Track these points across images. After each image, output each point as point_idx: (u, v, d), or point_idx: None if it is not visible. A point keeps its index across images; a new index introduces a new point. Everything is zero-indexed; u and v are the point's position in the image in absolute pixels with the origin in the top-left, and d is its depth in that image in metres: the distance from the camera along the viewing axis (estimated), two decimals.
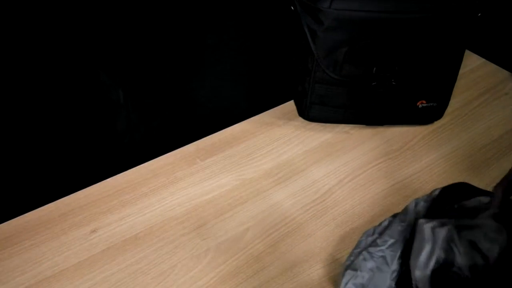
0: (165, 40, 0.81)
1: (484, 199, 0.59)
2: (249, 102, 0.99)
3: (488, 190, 0.62)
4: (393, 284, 0.59)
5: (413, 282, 0.55)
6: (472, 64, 1.09)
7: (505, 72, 1.08)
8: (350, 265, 0.63)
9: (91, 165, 0.83)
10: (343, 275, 0.63)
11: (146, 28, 0.78)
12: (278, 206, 0.79)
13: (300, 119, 0.95)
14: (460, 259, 0.51)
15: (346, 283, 0.62)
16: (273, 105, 0.98)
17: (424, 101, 0.90)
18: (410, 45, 0.82)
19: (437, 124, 0.95)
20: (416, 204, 0.63)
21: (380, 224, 0.66)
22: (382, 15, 0.78)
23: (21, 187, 0.78)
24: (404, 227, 0.62)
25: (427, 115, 0.93)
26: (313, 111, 0.91)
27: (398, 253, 0.60)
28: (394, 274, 0.59)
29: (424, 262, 0.53)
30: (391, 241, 0.61)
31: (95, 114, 0.80)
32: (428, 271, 0.52)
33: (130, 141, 0.86)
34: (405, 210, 0.64)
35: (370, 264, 0.61)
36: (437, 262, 0.52)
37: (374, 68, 0.84)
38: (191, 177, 0.84)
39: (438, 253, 0.52)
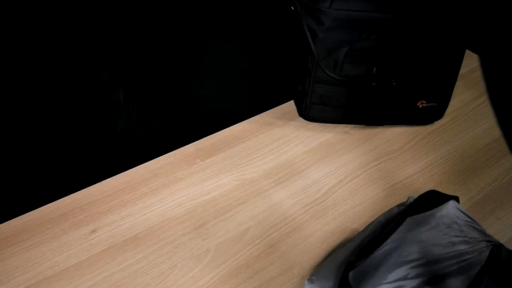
0: (165, 40, 0.81)
1: None
2: (249, 102, 0.99)
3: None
4: None
5: None
6: (472, 64, 1.09)
7: None
8: None
9: (91, 165, 0.83)
10: None
11: (146, 28, 0.78)
12: (278, 206, 0.79)
13: (300, 119, 0.95)
14: None
15: None
16: (273, 105, 0.98)
17: (424, 101, 0.90)
18: (410, 45, 0.82)
19: (437, 124, 0.95)
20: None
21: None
22: (382, 15, 0.78)
23: (21, 187, 0.78)
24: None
25: (427, 115, 0.93)
26: (313, 111, 0.91)
27: None
28: None
29: None
30: None
31: (95, 114, 0.80)
32: None
33: (130, 141, 0.86)
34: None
35: None
36: None
37: (374, 68, 0.84)
38: (191, 177, 0.84)
39: None
